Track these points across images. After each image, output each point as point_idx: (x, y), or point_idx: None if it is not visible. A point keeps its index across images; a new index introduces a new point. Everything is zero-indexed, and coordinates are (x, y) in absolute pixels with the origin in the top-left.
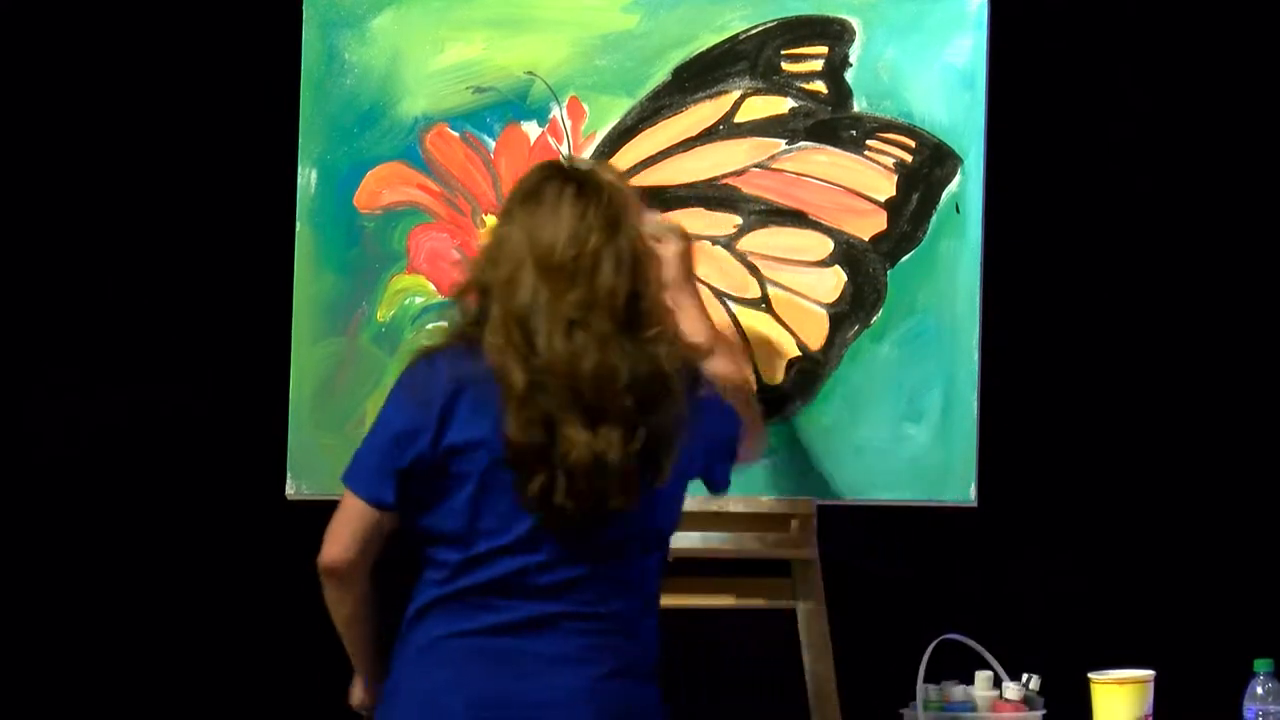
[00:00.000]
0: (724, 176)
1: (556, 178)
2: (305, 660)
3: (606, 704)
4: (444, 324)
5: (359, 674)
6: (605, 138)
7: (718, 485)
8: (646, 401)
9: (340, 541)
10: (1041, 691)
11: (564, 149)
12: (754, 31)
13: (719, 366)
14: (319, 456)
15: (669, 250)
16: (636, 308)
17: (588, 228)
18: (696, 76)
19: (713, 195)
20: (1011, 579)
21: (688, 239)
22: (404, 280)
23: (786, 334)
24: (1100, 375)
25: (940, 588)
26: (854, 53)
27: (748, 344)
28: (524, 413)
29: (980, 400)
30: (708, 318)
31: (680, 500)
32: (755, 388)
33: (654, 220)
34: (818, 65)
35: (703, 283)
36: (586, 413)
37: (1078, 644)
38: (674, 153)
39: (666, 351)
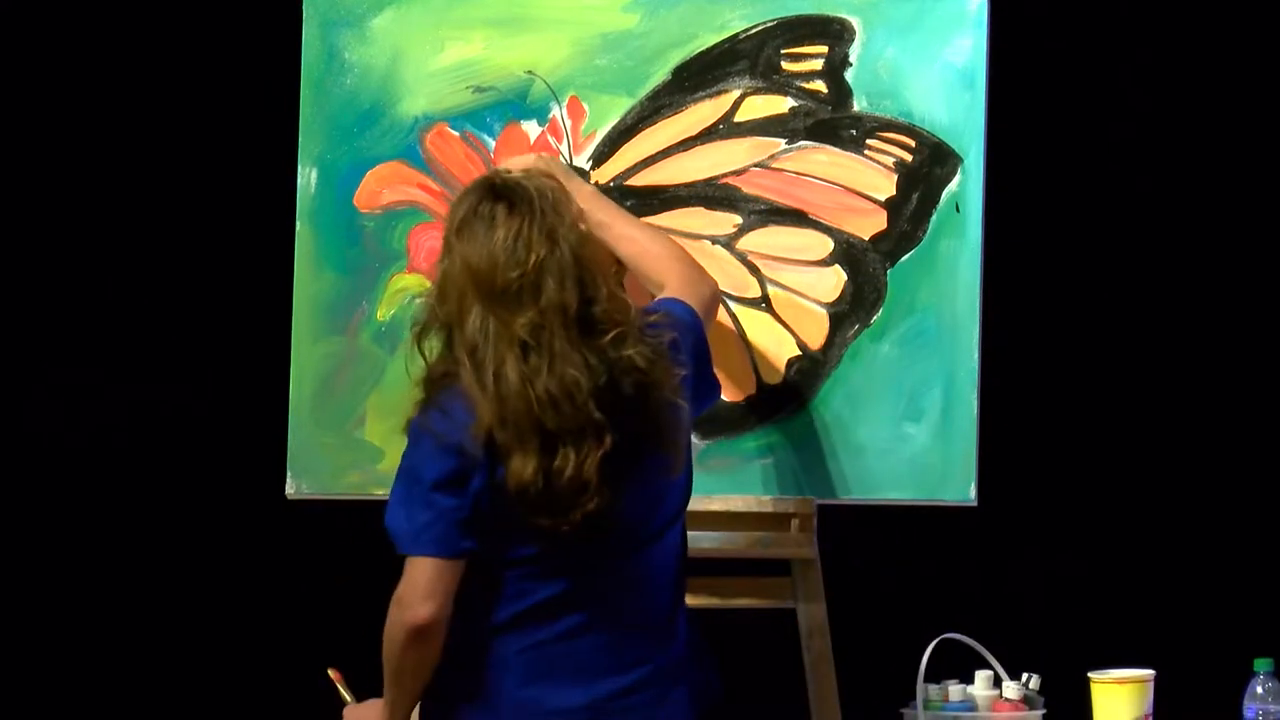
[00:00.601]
0: (724, 176)
1: (486, 199)
2: (305, 658)
3: (643, 710)
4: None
5: (399, 713)
6: (605, 137)
7: (711, 398)
8: (624, 403)
9: (434, 599)
10: (1041, 691)
11: (564, 148)
12: (754, 31)
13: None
14: (319, 455)
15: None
16: (590, 314)
17: (525, 246)
18: (696, 76)
19: (713, 195)
20: (1011, 578)
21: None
22: (404, 279)
23: (787, 333)
24: (1100, 375)
25: (940, 587)
26: (854, 52)
27: (748, 344)
28: (497, 449)
29: (980, 400)
30: (637, 224)
31: (688, 479)
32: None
33: (519, 161)
34: (818, 64)
35: None
36: (546, 437)
37: (1078, 643)
38: (674, 152)
39: (636, 349)
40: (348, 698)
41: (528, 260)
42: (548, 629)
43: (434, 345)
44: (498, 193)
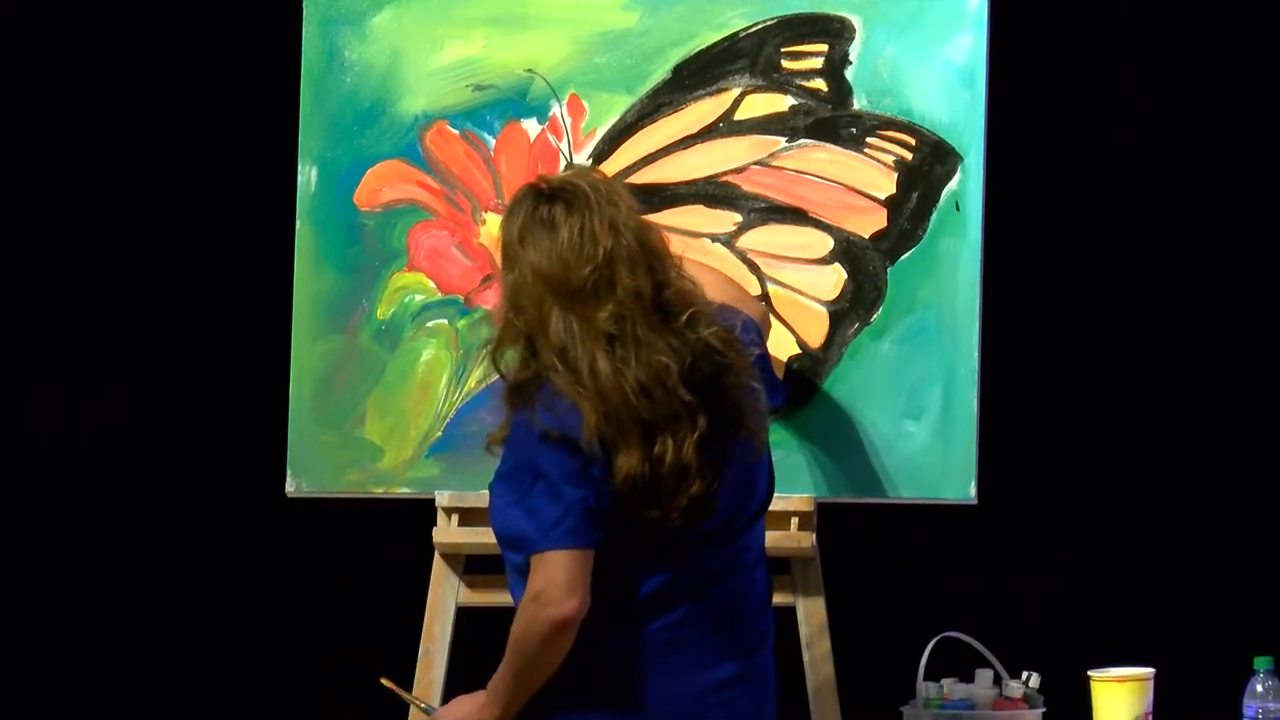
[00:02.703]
0: (724, 174)
1: (541, 203)
2: (305, 656)
3: (748, 700)
4: (503, 379)
5: (506, 717)
6: (605, 135)
7: (774, 402)
8: (705, 385)
9: (578, 593)
10: (1041, 689)
11: (564, 147)
12: (754, 29)
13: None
14: (319, 454)
15: None
16: (664, 298)
17: (591, 240)
18: (696, 74)
19: (713, 193)
20: (1011, 577)
21: None
22: (404, 278)
23: (787, 332)
24: (1100, 373)
25: (940, 585)
26: (854, 50)
27: None
28: (606, 445)
29: (980, 398)
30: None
31: (770, 465)
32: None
33: None
34: (818, 63)
35: None
36: (644, 426)
37: (1078, 642)
38: (674, 150)
39: (710, 331)
40: (419, 703)
41: (597, 254)
42: (660, 619)
43: (509, 359)
44: (550, 195)
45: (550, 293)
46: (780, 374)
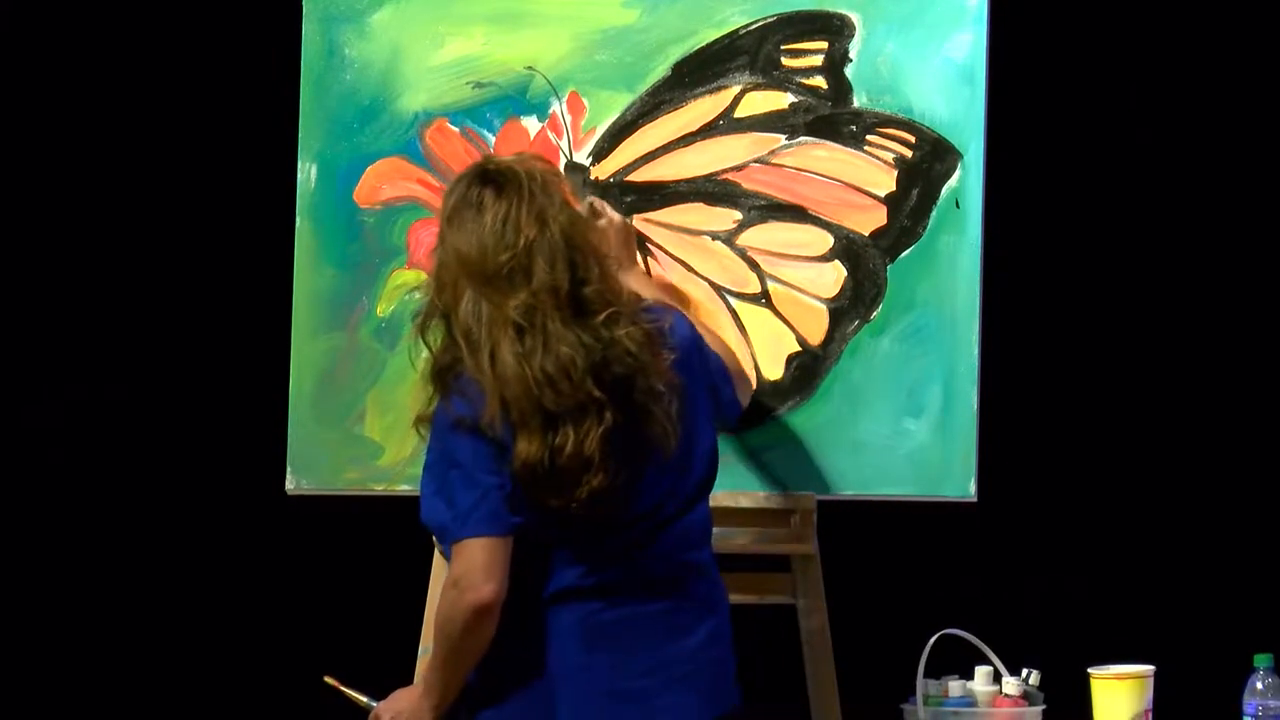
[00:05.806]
0: (724, 172)
1: (475, 184)
2: (305, 654)
3: (701, 677)
4: (422, 369)
5: (443, 703)
6: (605, 133)
7: (729, 410)
8: (616, 384)
9: (495, 578)
10: (1041, 686)
11: (564, 144)
12: (754, 26)
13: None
14: (319, 451)
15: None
16: (582, 295)
17: (514, 228)
18: (696, 71)
19: (713, 190)
20: (1011, 574)
21: (624, 223)
22: (404, 275)
23: (787, 329)
24: (1100, 371)
25: (940, 583)
26: (854, 48)
27: (748, 339)
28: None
29: (980, 395)
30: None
31: (710, 453)
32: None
33: (585, 204)
34: (818, 60)
35: (701, 276)
36: (546, 415)
37: (1077, 639)
38: (674, 148)
39: (627, 331)
40: (361, 698)
41: (517, 242)
42: (589, 603)
43: (437, 336)
44: (486, 178)
45: (466, 275)
46: (780, 371)
